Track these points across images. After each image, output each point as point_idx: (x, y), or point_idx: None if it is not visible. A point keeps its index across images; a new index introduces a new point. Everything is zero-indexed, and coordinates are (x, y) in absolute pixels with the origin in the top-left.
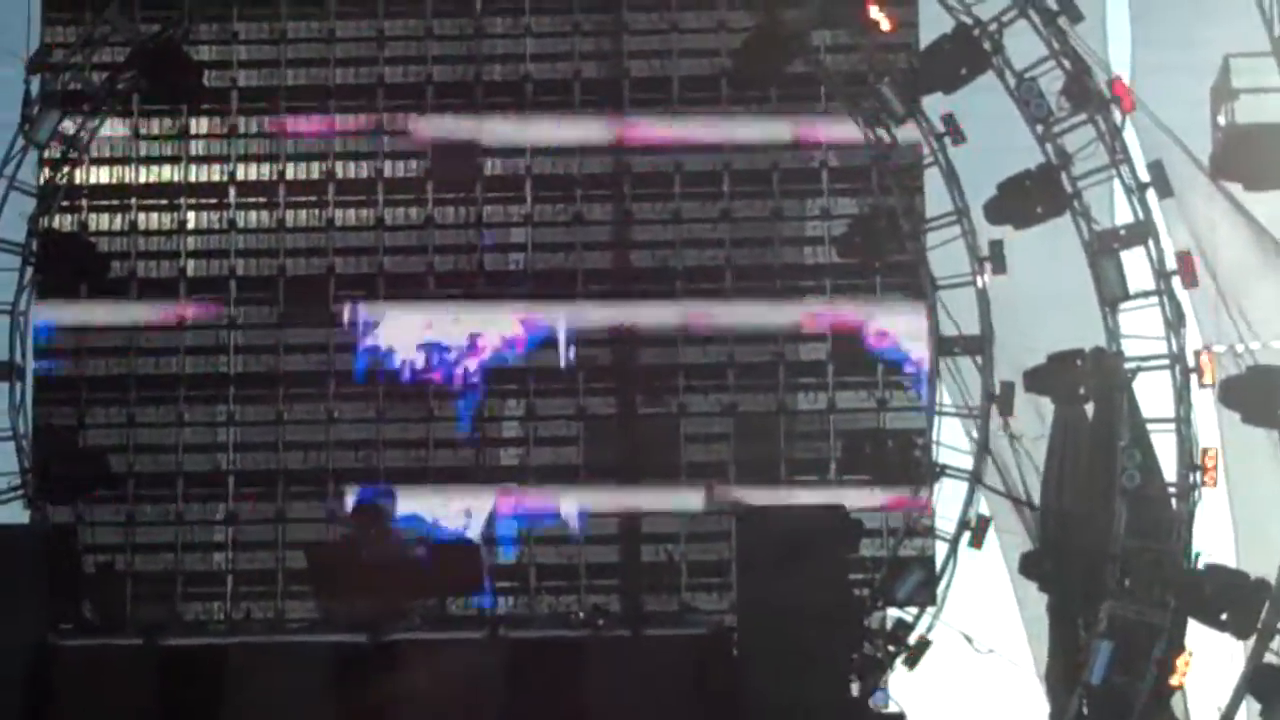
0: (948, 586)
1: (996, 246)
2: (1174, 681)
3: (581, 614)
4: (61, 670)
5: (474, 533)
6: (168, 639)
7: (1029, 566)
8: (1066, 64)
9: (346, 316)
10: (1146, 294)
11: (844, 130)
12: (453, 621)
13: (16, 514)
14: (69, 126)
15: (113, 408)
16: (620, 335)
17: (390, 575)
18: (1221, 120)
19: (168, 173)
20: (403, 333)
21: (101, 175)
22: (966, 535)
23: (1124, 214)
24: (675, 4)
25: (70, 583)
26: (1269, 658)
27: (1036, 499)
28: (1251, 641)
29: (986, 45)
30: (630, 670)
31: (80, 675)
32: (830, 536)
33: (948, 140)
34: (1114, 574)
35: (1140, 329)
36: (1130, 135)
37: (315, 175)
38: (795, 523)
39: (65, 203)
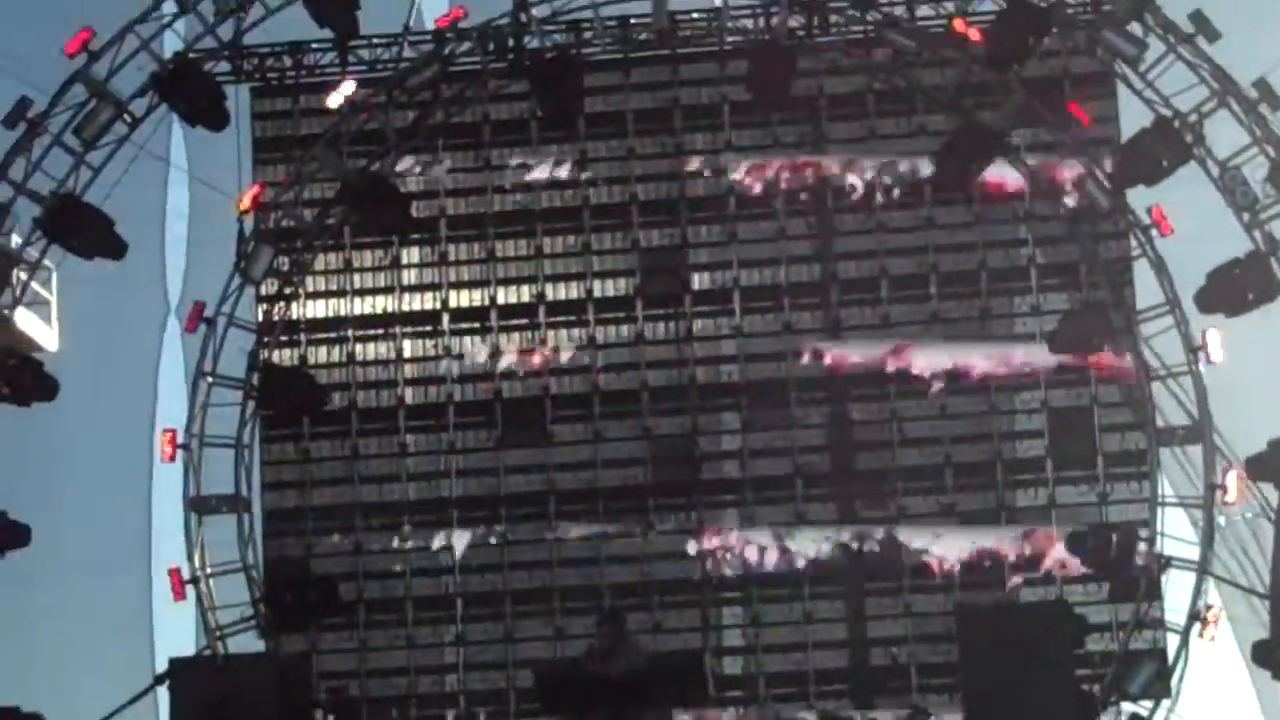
0: (1181, 678)
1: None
2: None
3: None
4: None
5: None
6: None
7: (1262, 655)
8: (1270, 150)
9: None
10: None
11: (1048, 227)
12: None
13: (249, 644)
14: (283, 262)
15: (340, 536)
16: (838, 441)
17: (617, 689)
18: None
19: (382, 303)
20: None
21: (317, 309)
22: (1197, 626)
23: None
24: (874, 110)
25: (306, 709)
26: None
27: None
28: None
29: (1188, 136)
30: None
31: None
32: (1056, 633)
33: (1155, 232)
34: None
35: None
36: None
37: (526, 298)
38: (1019, 621)
39: (283, 337)
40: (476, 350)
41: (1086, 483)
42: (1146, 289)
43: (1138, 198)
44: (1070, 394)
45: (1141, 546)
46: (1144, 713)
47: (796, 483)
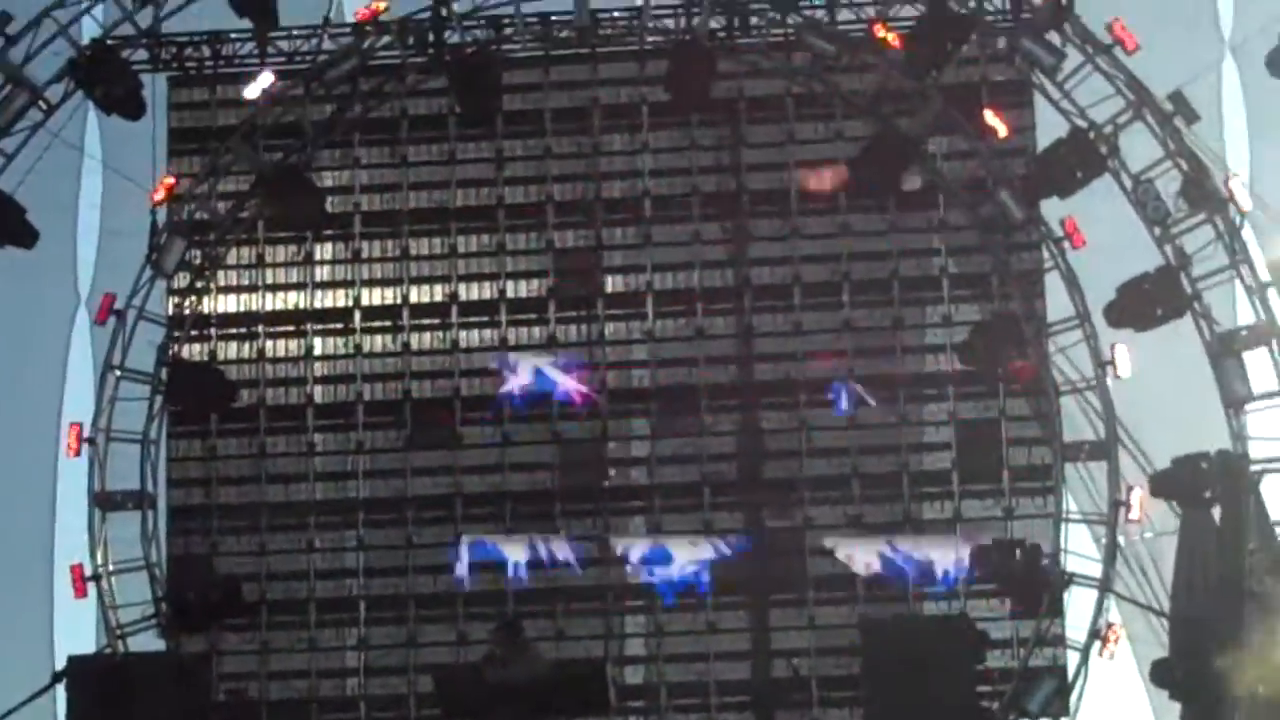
0: (1080, 696)
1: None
2: None
3: None
4: None
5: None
6: None
7: (1160, 675)
8: (1183, 165)
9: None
10: (1271, 395)
11: (961, 237)
12: None
13: (150, 643)
14: (196, 255)
15: (244, 535)
16: (745, 449)
17: (518, 696)
18: None
19: (294, 299)
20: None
21: (229, 303)
22: (1097, 644)
23: (1246, 314)
24: (793, 115)
25: (203, 711)
26: None
27: (1166, 605)
28: None
29: (1103, 148)
30: None
31: None
32: (957, 648)
33: (1067, 244)
34: (1246, 681)
35: (1265, 430)
36: (1249, 234)
37: (439, 298)
38: (922, 635)
39: (194, 332)
40: (387, 349)
41: (992, 496)
42: (1057, 301)
43: (1051, 209)
44: (978, 406)
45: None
46: None
47: (704, 491)
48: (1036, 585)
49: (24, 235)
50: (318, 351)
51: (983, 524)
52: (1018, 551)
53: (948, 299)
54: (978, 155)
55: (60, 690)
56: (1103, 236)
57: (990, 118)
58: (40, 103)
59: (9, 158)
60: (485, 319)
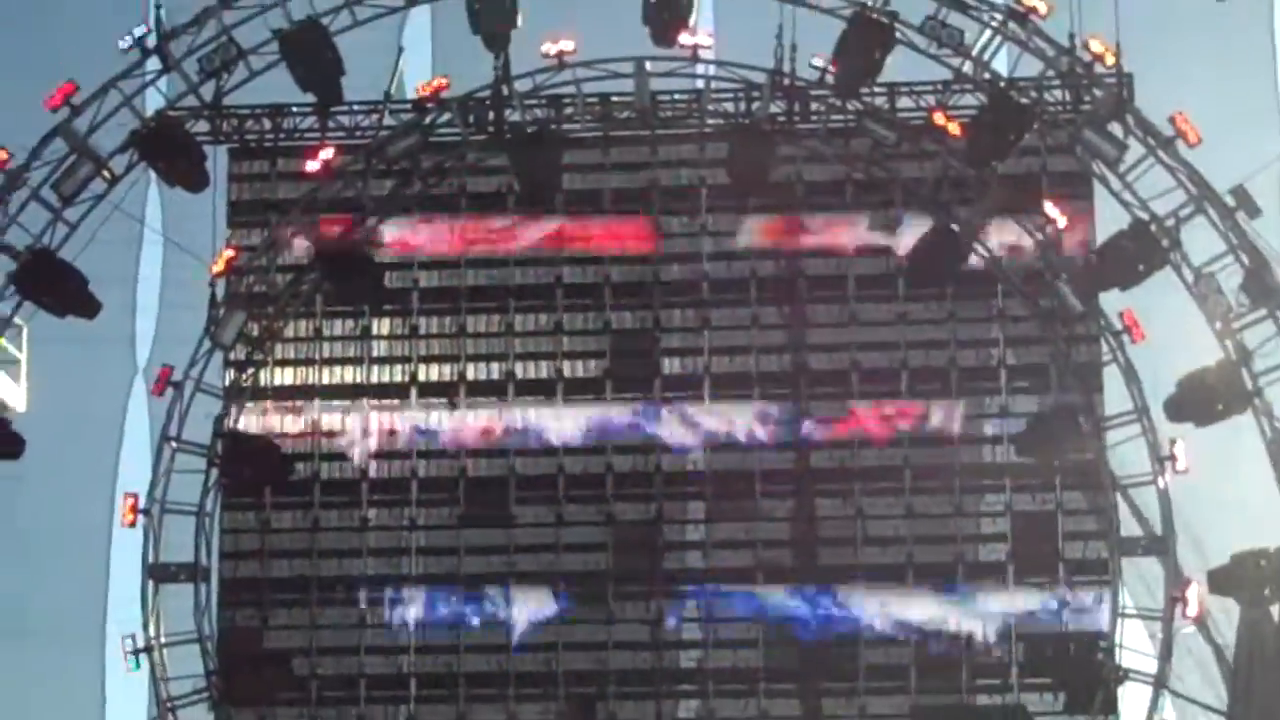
0: None
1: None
2: None
3: None
4: None
5: None
6: None
7: None
8: (1245, 259)
9: None
10: None
11: (1020, 328)
12: None
13: (200, 717)
14: (253, 328)
15: (295, 609)
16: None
17: None
18: None
19: (350, 374)
20: None
21: (285, 377)
22: None
23: None
24: (851, 204)
25: None
26: None
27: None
28: None
29: (1164, 241)
30: None
31: None
32: None
33: (1126, 337)
34: None
35: None
36: None
37: (495, 375)
38: None
39: (250, 404)
40: (443, 425)
41: (1048, 589)
42: (1115, 394)
43: (1110, 301)
44: (1034, 499)
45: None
46: None
47: (758, 576)
48: (1091, 679)
49: (86, 305)
50: (373, 426)
51: (1038, 616)
52: (1072, 645)
53: (1005, 389)
54: (1036, 246)
55: None
56: (1163, 330)
57: (1050, 208)
58: (104, 173)
59: (72, 227)
60: (541, 398)
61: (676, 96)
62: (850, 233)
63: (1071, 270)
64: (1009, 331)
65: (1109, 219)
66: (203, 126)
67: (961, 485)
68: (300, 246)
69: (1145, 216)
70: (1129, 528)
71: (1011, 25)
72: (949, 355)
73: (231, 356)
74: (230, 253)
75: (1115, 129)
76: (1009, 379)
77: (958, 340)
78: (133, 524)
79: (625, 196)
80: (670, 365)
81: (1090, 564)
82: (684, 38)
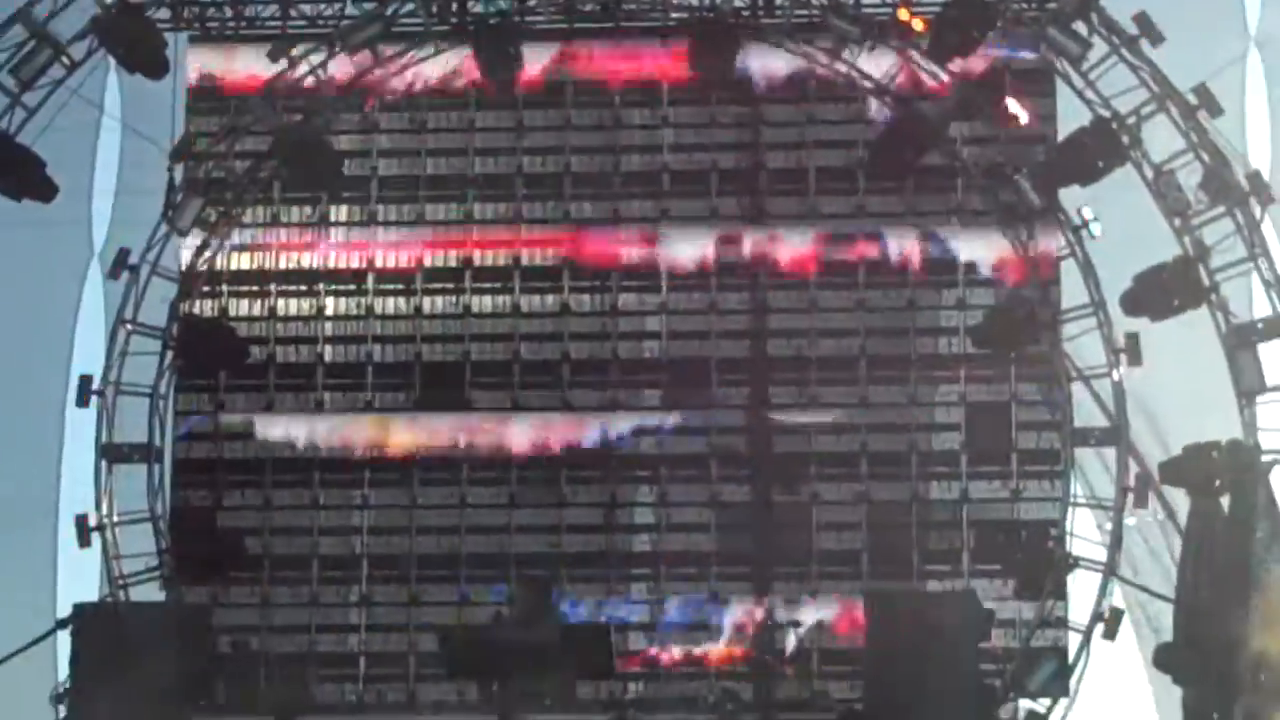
0: (1081, 678)
1: (1133, 339)
2: None
3: (711, 699)
4: None
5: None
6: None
7: (1164, 660)
8: (1205, 157)
9: None
10: None
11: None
12: (582, 704)
13: (152, 594)
14: (211, 214)
15: (249, 490)
16: (754, 424)
17: (524, 657)
18: None
19: (307, 259)
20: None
21: (242, 262)
22: (1100, 627)
23: (1262, 307)
24: (813, 96)
25: (204, 662)
26: None
27: (1171, 591)
28: None
29: (1125, 138)
30: None
31: None
32: (962, 624)
33: (1085, 232)
34: (1250, 669)
35: (1277, 422)
36: (1269, 228)
37: (453, 263)
38: (927, 609)
39: (206, 288)
40: (399, 311)
41: (1000, 479)
42: (1072, 289)
43: (1070, 197)
44: (989, 389)
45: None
46: (1041, 710)
47: (711, 464)
48: (1041, 567)
49: (43, 189)
50: (329, 311)
51: (989, 505)
52: (1023, 532)
53: (962, 282)
54: (997, 141)
55: (62, 637)
56: (1121, 226)
57: (1012, 104)
58: (63, 59)
59: (30, 112)
60: (498, 285)
61: None
62: (811, 129)
63: (1032, 165)
64: (967, 224)
65: (1070, 116)
66: (164, 14)
67: (916, 376)
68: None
69: (1107, 114)
70: (1093, 419)
71: None
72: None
73: (188, 241)
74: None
75: (1079, 27)
76: (966, 271)
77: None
78: (86, 404)
79: (587, 89)
80: (628, 255)
81: (1044, 454)
82: None
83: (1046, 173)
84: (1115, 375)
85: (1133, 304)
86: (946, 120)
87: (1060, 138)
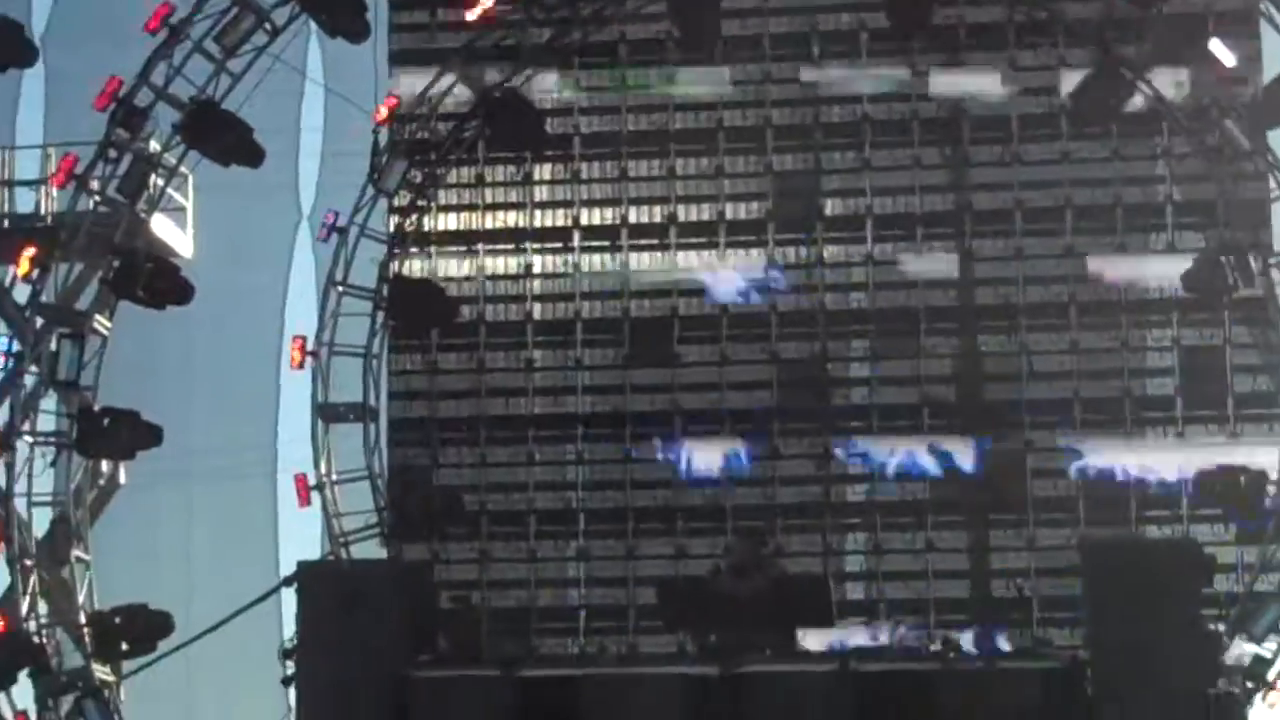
0: None
1: None
2: None
3: (934, 647)
4: (420, 700)
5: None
6: (523, 670)
7: None
8: None
9: None
10: None
11: (1186, 166)
12: (803, 655)
13: (372, 551)
14: (416, 175)
15: (465, 448)
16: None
17: (742, 608)
18: None
19: (513, 218)
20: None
21: (449, 222)
22: None
23: None
24: (1013, 43)
25: (427, 618)
26: None
27: None
28: None
29: None
30: (982, 703)
31: (438, 705)
32: (1183, 571)
33: None
34: None
35: None
36: None
37: (658, 219)
38: (1146, 557)
39: (414, 249)
40: (606, 268)
41: (1216, 423)
42: None
43: (1279, 138)
44: (1202, 334)
45: (1270, 489)
46: (1267, 655)
47: (923, 412)
48: (1262, 510)
49: (251, 154)
50: (536, 269)
51: (1207, 449)
52: (1242, 477)
53: (1172, 226)
54: (1202, 85)
55: (287, 595)
56: None
57: (1216, 45)
58: (266, 25)
59: (236, 78)
60: (704, 240)
61: None
62: (1011, 75)
63: (1238, 107)
64: (1175, 169)
65: (1276, 57)
66: None
67: (1127, 321)
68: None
69: None
70: None
71: None
72: (1114, 193)
73: (395, 203)
74: (392, 101)
75: None
76: (1175, 216)
77: (1123, 178)
78: (300, 366)
79: (785, 41)
80: (832, 206)
81: (1259, 398)
82: None
83: (1253, 114)
84: None
85: None
86: (1149, 64)
87: (1266, 79)
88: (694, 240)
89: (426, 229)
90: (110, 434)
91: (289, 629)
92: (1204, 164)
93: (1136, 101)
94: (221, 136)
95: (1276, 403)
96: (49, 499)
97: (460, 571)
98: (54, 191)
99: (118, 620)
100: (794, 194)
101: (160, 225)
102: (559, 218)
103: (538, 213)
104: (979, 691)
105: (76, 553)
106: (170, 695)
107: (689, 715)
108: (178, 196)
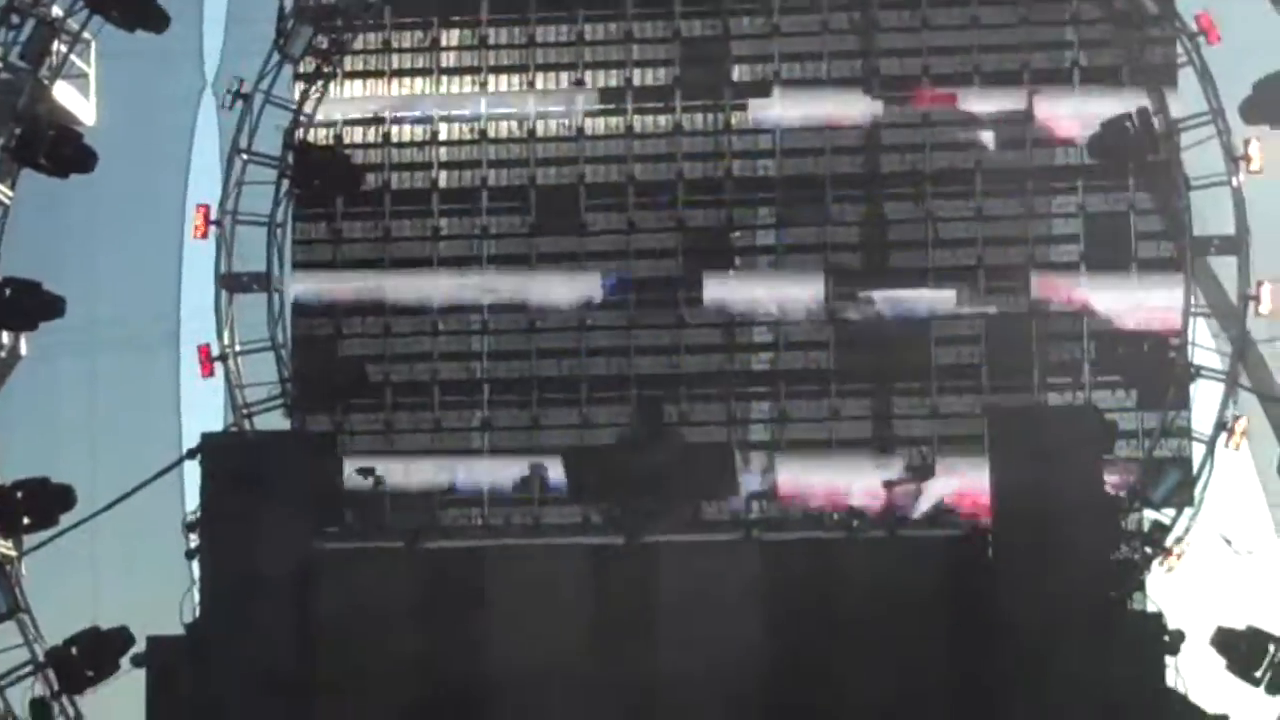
0: (1205, 488)
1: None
2: None
3: (836, 516)
4: (324, 573)
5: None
6: (428, 543)
7: None
8: None
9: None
10: None
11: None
12: (707, 525)
13: (275, 422)
14: (322, 41)
15: (369, 318)
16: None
17: (643, 479)
18: None
19: (420, 85)
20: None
21: (354, 89)
22: (1223, 436)
23: None
24: None
25: (335, 487)
26: None
27: None
28: None
29: None
30: (885, 572)
31: (342, 578)
32: (1085, 436)
33: (1202, 39)
34: None
35: None
36: None
37: (564, 85)
38: (1049, 423)
39: (319, 116)
40: (513, 135)
41: (1121, 290)
42: (1190, 97)
43: (1186, 4)
44: (1107, 199)
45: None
46: (1166, 521)
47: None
48: (1163, 377)
49: (155, 19)
50: (443, 137)
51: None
52: (1145, 343)
53: (1078, 92)
54: None
55: (188, 467)
56: (1240, 34)
57: None
58: None
59: None
60: (611, 106)
61: None
62: None
63: None
64: (1082, 35)
65: None
66: None
67: (1033, 187)
68: None
69: None
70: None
71: None
72: (1022, 59)
73: (300, 69)
74: None
75: None
76: (1082, 81)
77: (1031, 43)
78: (204, 235)
79: None
80: (740, 72)
81: (1163, 263)
82: None
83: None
84: (1235, 183)
85: (1252, 111)
86: None
87: None
88: (601, 107)
89: (331, 96)
90: (12, 305)
91: (192, 501)
92: (1112, 29)
93: None
94: (125, 1)
95: (1179, 268)
96: None
97: (363, 443)
98: None
99: (19, 494)
100: (702, 60)
101: (63, 92)
102: (466, 84)
103: (444, 79)
104: (882, 559)
105: None
106: (72, 569)
107: (594, 585)
108: (80, 63)
